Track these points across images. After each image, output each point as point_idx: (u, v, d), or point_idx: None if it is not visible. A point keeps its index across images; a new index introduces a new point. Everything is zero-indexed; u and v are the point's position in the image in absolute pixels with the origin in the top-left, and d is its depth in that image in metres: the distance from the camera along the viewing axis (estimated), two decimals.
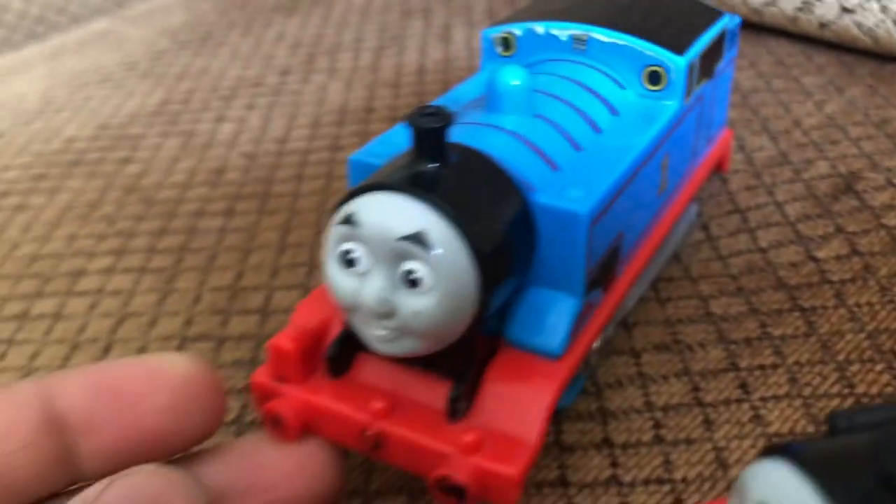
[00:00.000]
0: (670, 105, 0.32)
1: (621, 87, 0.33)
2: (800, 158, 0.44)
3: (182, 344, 0.38)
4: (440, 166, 0.24)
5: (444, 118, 0.24)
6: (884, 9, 0.51)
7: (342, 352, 0.27)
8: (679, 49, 0.32)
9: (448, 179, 0.24)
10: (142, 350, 0.38)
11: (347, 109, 0.58)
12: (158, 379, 0.24)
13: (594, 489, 0.28)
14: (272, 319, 0.38)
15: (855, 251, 0.36)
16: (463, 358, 0.26)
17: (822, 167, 0.43)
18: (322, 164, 0.51)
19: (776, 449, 0.17)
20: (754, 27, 0.60)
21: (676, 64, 0.32)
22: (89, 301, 0.42)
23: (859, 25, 0.52)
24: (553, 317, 0.27)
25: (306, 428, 0.27)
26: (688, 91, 0.33)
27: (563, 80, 0.32)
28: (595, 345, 0.30)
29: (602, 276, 0.28)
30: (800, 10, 0.55)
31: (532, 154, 0.28)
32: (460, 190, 0.24)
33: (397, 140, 0.29)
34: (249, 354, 0.37)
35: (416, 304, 0.23)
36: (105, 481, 0.20)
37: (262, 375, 0.27)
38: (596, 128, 0.30)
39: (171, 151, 0.56)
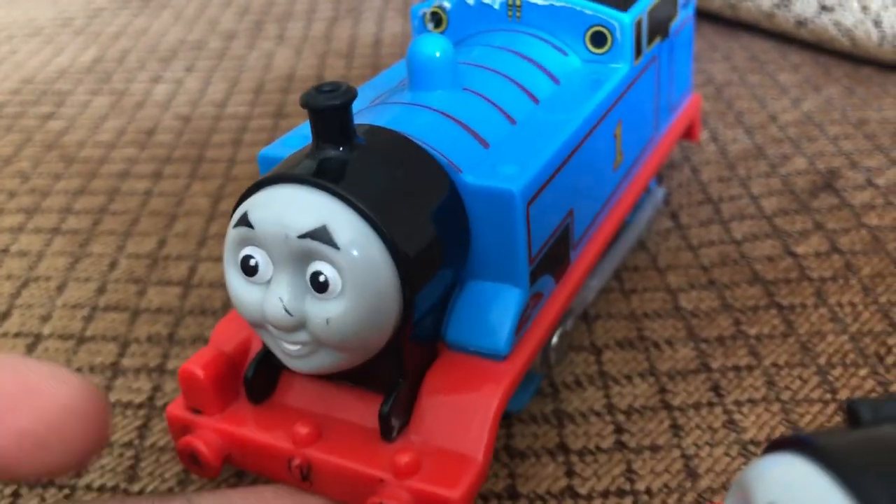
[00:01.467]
0: (619, 68, 0.29)
1: (563, 53, 0.29)
2: (776, 153, 0.41)
3: (91, 313, 0.34)
4: (346, 151, 0.21)
5: (344, 94, 0.20)
6: (864, 8, 0.49)
7: (263, 374, 0.24)
8: (623, 5, 0.29)
9: (356, 165, 0.21)
10: (45, 318, 0.33)
11: (295, 77, 0.54)
12: (25, 398, 0.19)
13: (546, 502, 0.25)
14: (195, 293, 0.34)
15: (835, 249, 0.34)
16: (392, 369, 0.22)
17: (800, 163, 0.40)
18: (263, 131, 0.47)
19: (788, 442, 0.13)
20: (727, 22, 0.57)
21: (621, 22, 0.29)
22: None
23: (837, 25, 0.50)
24: (495, 312, 0.23)
25: (228, 462, 0.23)
26: (637, 51, 0.30)
27: (497, 50, 0.29)
28: (553, 340, 0.26)
29: (551, 262, 0.25)
30: (777, 6, 0.53)
31: (460, 132, 0.24)
32: (371, 176, 0.21)
33: None
34: (167, 330, 0.33)
35: (326, 311, 0.20)
36: None
37: (176, 407, 0.24)
38: (534, 99, 0.27)
39: (100, 110, 0.51)
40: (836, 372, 0.28)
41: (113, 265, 0.36)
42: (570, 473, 0.25)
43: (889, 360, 0.28)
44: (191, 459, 0.23)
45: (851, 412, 0.14)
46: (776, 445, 0.14)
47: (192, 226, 0.39)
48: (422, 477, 0.21)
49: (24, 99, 0.53)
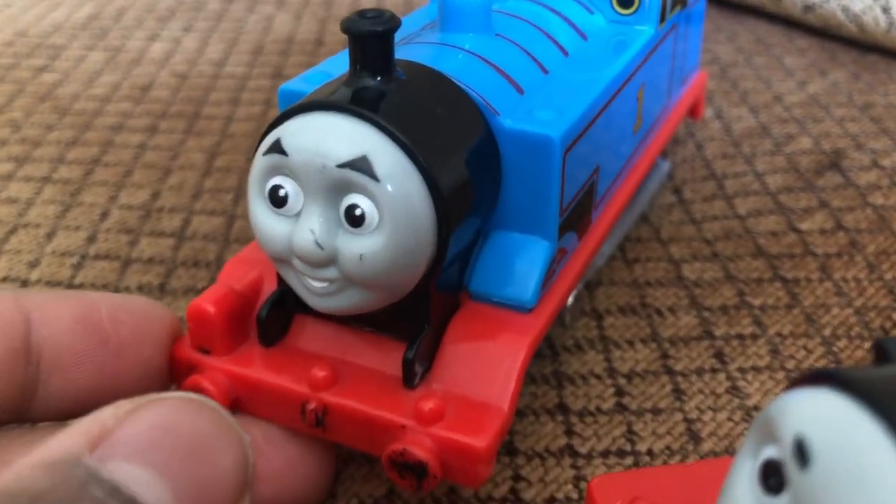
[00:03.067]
0: (644, 30, 0.29)
1: (590, 11, 0.29)
2: (781, 132, 0.41)
3: (81, 261, 0.33)
4: (385, 81, 0.20)
5: (388, 21, 0.19)
6: None
7: (276, 315, 0.22)
8: None
9: (395, 96, 0.20)
10: (34, 264, 0.33)
11: (294, 40, 0.53)
12: (145, 328, 0.21)
13: (545, 460, 0.24)
14: (188, 245, 0.34)
15: (840, 226, 0.33)
16: (418, 314, 0.21)
17: (805, 143, 0.40)
18: (261, 91, 0.46)
19: (817, 375, 0.13)
20: (733, 5, 0.57)
21: None
22: None
23: (845, 10, 0.50)
24: (523, 263, 0.22)
25: (236, 406, 0.22)
26: (662, 16, 0.29)
27: (527, 2, 0.28)
28: (569, 300, 0.26)
29: (577, 217, 0.24)
30: None
31: (495, 75, 0.24)
32: (411, 109, 0.20)
33: (340, 69, 0.23)
34: (158, 280, 0.32)
35: (360, 247, 0.19)
36: (120, 406, 0.15)
37: (182, 347, 0.22)
38: (564, 51, 0.26)
39: (95, 65, 0.50)
40: (841, 343, 0.27)
41: (104, 215, 0.36)
42: (569, 433, 0.25)
43: (894, 332, 0.28)
44: None
45: (880, 350, 0.14)
46: (801, 381, 0.13)
47: (187, 179, 0.38)
48: (446, 424, 0.20)
49: (18, 51, 0.52)
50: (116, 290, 0.31)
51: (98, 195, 0.37)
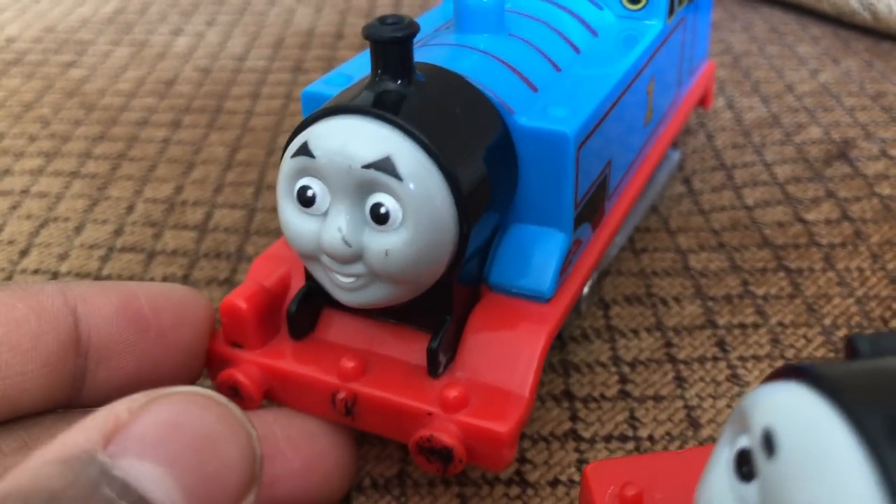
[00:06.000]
0: (653, 25, 0.29)
1: (599, 7, 0.30)
2: (791, 122, 0.41)
3: (108, 254, 0.34)
4: (405, 84, 0.21)
5: (407, 27, 0.20)
6: None
7: (305, 309, 0.24)
8: None
9: (415, 99, 0.21)
10: (63, 257, 0.34)
11: (315, 34, 0.54)
12: (184, 315, 0.22)
13: (550, 443, 0.25)
14: (210, 237, 0.35)
15: (846, 216, 0.34)
16: (441, 306, 0.22)
17: (815, 132, 0.40)
18: (282, 85, 0.47)
19: (788, 370, 0.14)
20: None
21: None
22: (11, 201, 0.38)
23: None
24: (540, 255, 0.23)
25: (268, 396, 0.23)
26: (670, 10, 0.30)
27: (537, 0, 0.29)
28: (584, 290, 0.27)
29: (591, 209, 0.25)
30: None
31: (509, 74, 0.24)
32: (430, 110, 0.21)
33: (360, 71, 0.25)
34: (181, 271, 0.33)
35: (385, 243, 0.20)
36: (134, 400, 0.15)
37: (216, 341, 0.24)
38: (576, 48, 0.27)
39: (120, 60, 0.52)
40: (841, 333, 0.28)
41: (130, 209, 0.37)
42: (573, 418, 0.26)
43: (894, 323, 0.28)
44: (231, 392, 0.23)
45: (850, 346, 0.14)
46: (775, 375, 0.14)
47: (210, 173, 0.39)
48: (470, 411, 0.21)
49: (46, 47, 0.53)
50: (142, 281, 0.32)
51: (124, 189, 0.38)
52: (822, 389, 0.13)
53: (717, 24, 0.53)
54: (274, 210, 0.36)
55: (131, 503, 0.14)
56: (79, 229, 0.36)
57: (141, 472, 0.14)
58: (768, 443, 0.13)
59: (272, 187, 0.38)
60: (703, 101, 0.39)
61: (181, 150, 0.41)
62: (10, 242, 0.35)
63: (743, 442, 0.14)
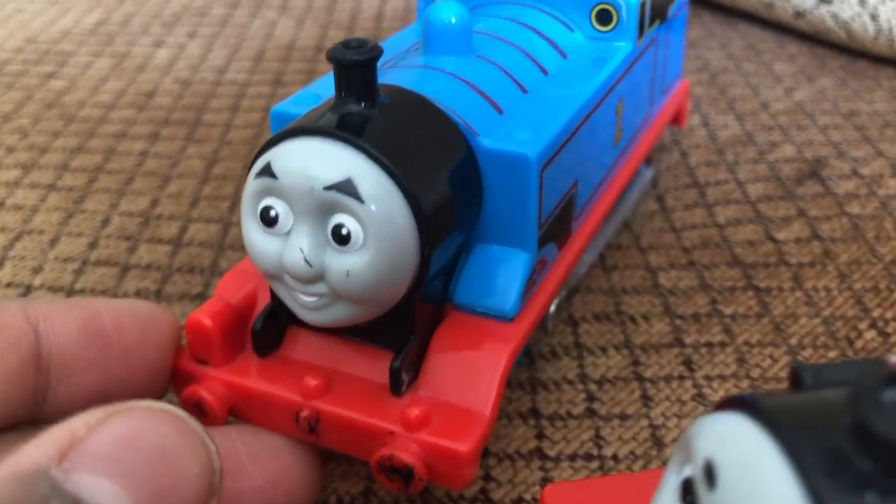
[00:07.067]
0: (622, 46, 0.30)
1: (570, 29, 0.30)
2: (765, 140, 0.42)
3: (82, 267, 0.34)
4: (369, 107, 0.21)
5: (370, 50, 0.21)
6: (862, 2, 0.49)
7: (270, 326, 0.24)
8: None
9: (378, 121, 0.21)
10: (37, 270, 0.34)
11: (295, 47, 0.54)
12: (148, 332, 0.22)
13: (515, 461, 0.25)
14: (184, 252, 0.35)
15: (816, 235, 0.34)
16: (404, 325, 0.22)
17: (788, 151, 0.41)
18: (261, 98, 0.47)
19: (731, 401, 0.14)
20: (726, 10, 0.58)
21: (627, 1, 0.29)
22: None
23: (835, 17, 0.50)
24: (504, 274, 0.24)
25: (233, 413, 0.23)
26: (640, 32, 0.30)
27: (507, 21, 0.29)
28: (551, 309, 0.27)
29: (556, 229, 0.26)
30: None
31: (475, 96, 0.25)
32: (393, 132, 0.21)
33: (328, 90, 0.25)
34: (155, 286, 0.33)
35: (346, 264, 0.20)
36: (92, 415, 0.15)
37: (181, 358, 0.24)
38: (543, 70, 0.28)
39: (101, 71, 0.52)
40: (807, 353, 0.28)
41: (106, 222, 0.37)
42: (539, 436, 0.26)
43: (858, 343, 0.29)
44: (195, 409, 0.23)
45: (794, 376, 0.15)
46: (720, 405, 0.14)
47: (186, 187, 0.39)
48: (432, 430, 0.21)
49: (27, 58, 0.54)
50: (115, 295, 0.33)
51: (100, 202, 0.38)
52: (762, 420, 0.13)
53: (694, 41, 0.53)
54: None
55: None
56: (53, 242, 0.36)
57: (94, 487, 0.14)
58: (709, 474, 0.13)
59: None
60: (676, 120, 0.39)
61: (158, 164, 0.41)
62: None
63: (687, 471, 0.14)
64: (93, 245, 0.36)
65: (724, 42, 0.53)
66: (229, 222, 0.37)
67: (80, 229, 0.37)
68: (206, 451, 0.16)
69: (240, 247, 0.35)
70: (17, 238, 0.36)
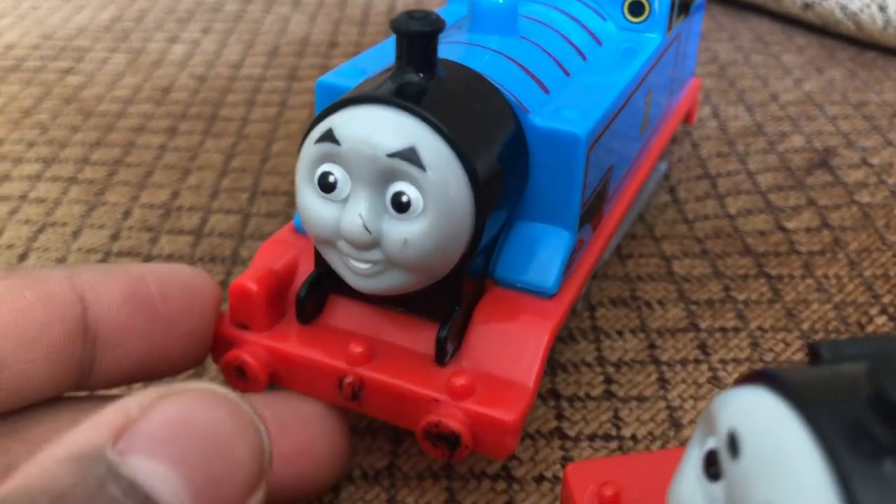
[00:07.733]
0: (653, 38, 0.30)
1: (602, 18, 0.31)
2: (775, 131, 0.42)
3: (105, 258, 0.35)
4: (427, 78, 0.21)
5: (434, 22, 0.21)
6: None
7: (313, 294, 0.24)
8: None
9: (438, 92, 0.21)
10: (60, 261, 0.35)
11: (309, 42, 0.55)
12: (192, 299, 0.22)
13: (535, 440, 0.26)
14: (205, 242, 0.36)
15: (826, 224, 0.35)
16: (450, 296, 0.23)
17: (798, 141, 0.41)
18: (276, 93, 0.48)
19: (754, 375, 0.15)
20: (735, 3, 0.58)
21: None
22: (9, 206, 0.38)
23: (843, 8, 0.51)
24: (546, 252, 0.24)
25: (273, 380, 0.23)
26: (669, 25, 0.31)
27: (545, 7, 0.30)
28: (581, 290, 0.28)
29: (593, 211, 0.26)
30: None
31: (523, 75, 0.25)
32: (452, 104, 0.21)
33: (372, 64, 0.25)
34: None
35: (404, 231, 0.20)
36: (145, 395, 0.15)
37: (221, 323, 0.24)
38: (582, 56, 0.28)
39: (117, 67, 0.52)
40: (818, 337, 0.29)
41: (127, 214, 0.38)
42: (559, 417, 0.27)
43: (869, 328, 0.29)
44: (237, 374, 0.23)
45: (813, 352, 0.15)
46: (743, 379, 0.15)
47: (205, 179, 0.40)
48: (477, 399, 0.21)
49: (45, 54, 0.54)
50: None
51: (121, 195, 0.39)
52: (783, 393, 0.14)
53: (704, 33, 0.54)
54: (268, 215, 0.37)
55: (137, 503, 0.14)
56: (76, 234, 0.37)
57: (148, 470, 0.14)
58: (733, 444, 0.14)
59: (267, 193, 0.39)
60: (687, 117, 0.39)
61: (177, 157, 0.42)
62: (9, 247, 0.36)
63: (711, 443, 0.15)
64: (115, 237, 0.36)
65: (733, 34, 0.54)
66: (249, 213, 0.37)
67: (102, 221, 0.37)
68: (257, 434, 0.16)
69: (260, 237, 0.36)
70: (41, 230, 0.37)
